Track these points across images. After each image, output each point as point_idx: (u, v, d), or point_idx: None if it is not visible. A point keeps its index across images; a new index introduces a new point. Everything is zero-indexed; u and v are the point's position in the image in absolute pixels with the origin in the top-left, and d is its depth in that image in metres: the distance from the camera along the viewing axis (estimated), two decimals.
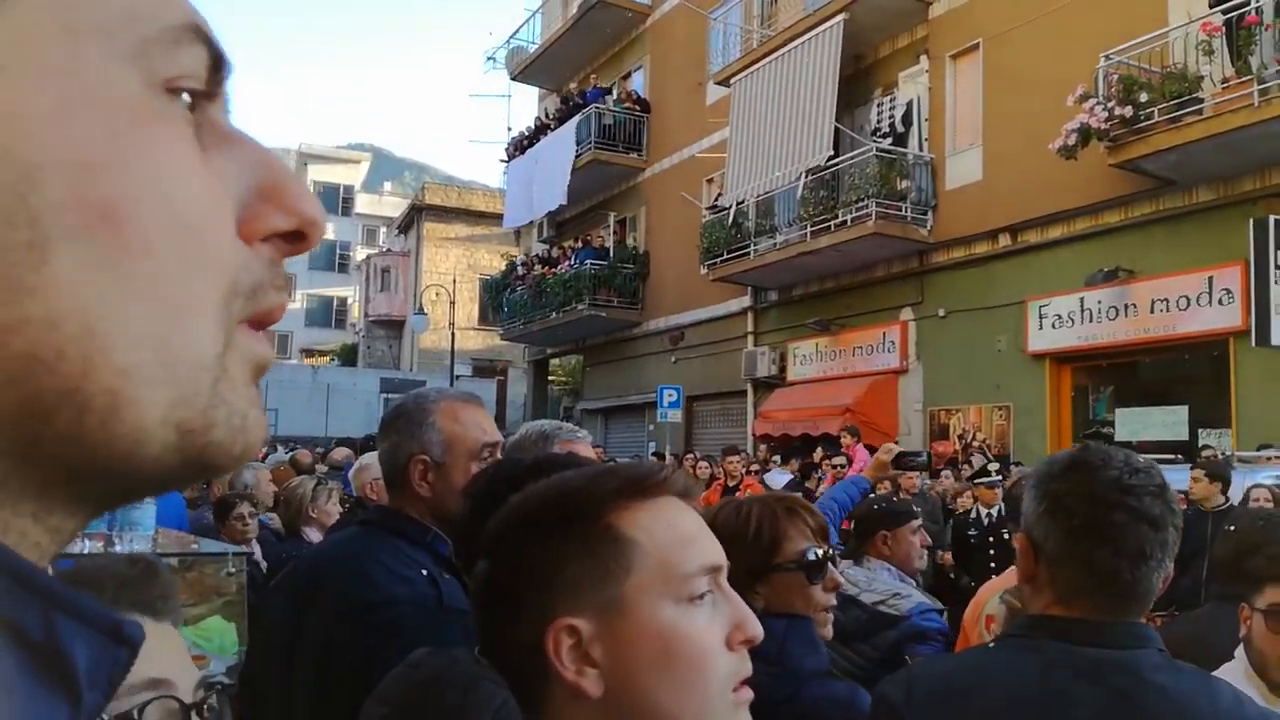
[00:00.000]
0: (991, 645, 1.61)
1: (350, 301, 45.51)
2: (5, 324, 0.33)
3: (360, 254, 43.88)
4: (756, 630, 0.90)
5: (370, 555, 1.81)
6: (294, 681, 1.77)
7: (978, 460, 9.39)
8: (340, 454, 10.55)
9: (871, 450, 11.73)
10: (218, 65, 0.40)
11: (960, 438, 12.95)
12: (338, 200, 48.31)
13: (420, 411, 1.96)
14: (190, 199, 0.37)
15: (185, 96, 0.38)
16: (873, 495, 3.67)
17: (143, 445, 0.36)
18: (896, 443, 13.18)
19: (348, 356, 38.92)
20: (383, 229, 45.78)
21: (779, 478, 10.86)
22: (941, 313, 13.51)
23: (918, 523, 3.43)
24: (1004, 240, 12.60)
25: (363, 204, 49.17)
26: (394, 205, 47.04)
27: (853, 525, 3.53)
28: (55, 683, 0.34)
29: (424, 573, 1.82)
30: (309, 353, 43.47)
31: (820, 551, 1.93)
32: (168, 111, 0.37)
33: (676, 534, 0.91)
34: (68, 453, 0.35)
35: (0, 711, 0.32)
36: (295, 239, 0.42)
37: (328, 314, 47.32)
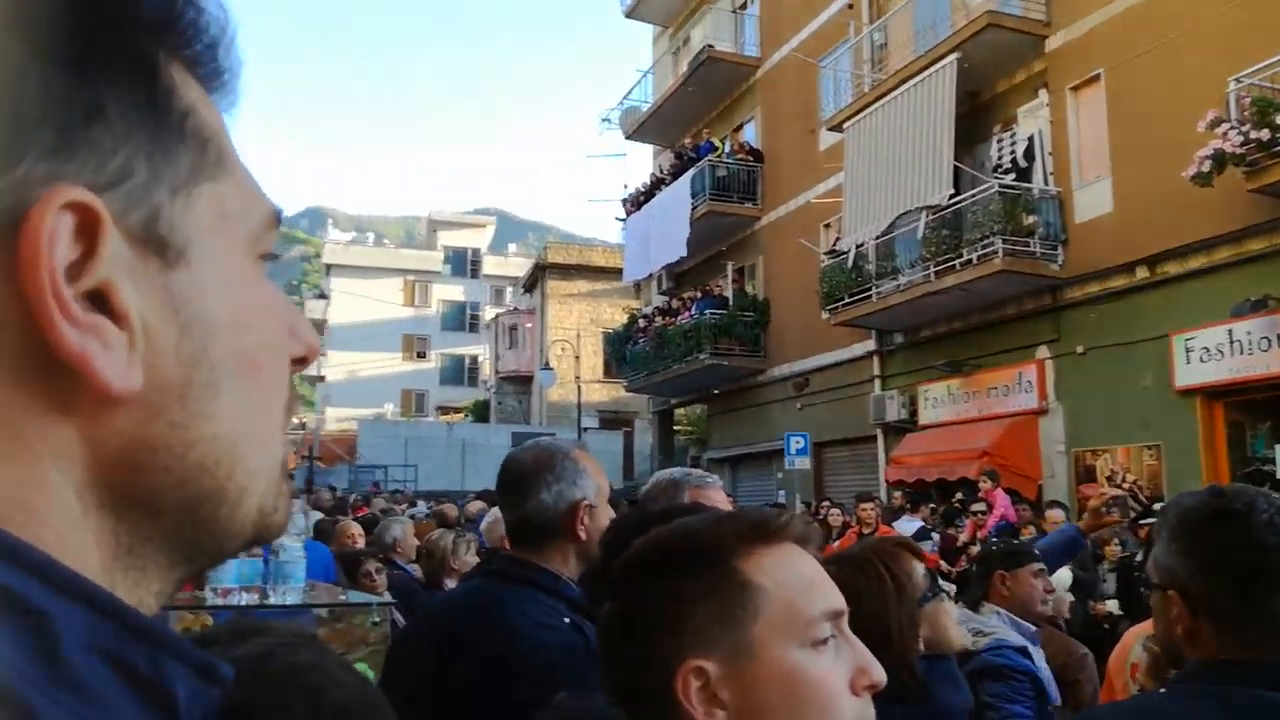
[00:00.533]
0: (1163, 691, 1.55)
1: (481, 359, 46.83)
2: (188, 441, 0.44)
3: (489, 313, 45.19)
4: (879, 675, 0.91)
5: (512, 604, 1.87)
6: None
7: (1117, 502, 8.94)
8: (474, 507, 10.85)
9: (1011, 495, 11.35)
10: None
11: (1109, 480, 12.35)
12: (466, 263, 50.03)
13: (573, 459, 2.04)
14: (284, 345, 0.50)
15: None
16: (999, 538, 3.60)
17: (245, 528, 0.48)
18: (1040, 488, 12.77)
19: (480, 413, 39.96)
20: (509, 288, 47.11)
21: (908, 525, 10.60)
22: (1080, 350, 13.00)
23: (1039, 566, 3.32)
24: (1142, 272, 12.08)
25: (490, 266, 50.73)
26: (519, 265, 48.37)
27: (974, 567, 3.47)
28: (158, 713, 0.40)
29: (566, 620, 1.88)
30: (444, 410, 44.83)
31: (930, 573, 1.95)
32: (262, 275, 0.50)
33: (799, 579, 0.93)
34: (198, 536, 0.46)
35: None
36: (302, 363, 0.53)
37: (460, 372, 48.78)
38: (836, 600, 0.94)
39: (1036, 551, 3.47)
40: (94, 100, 0.40)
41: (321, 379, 51.13)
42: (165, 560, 0.45)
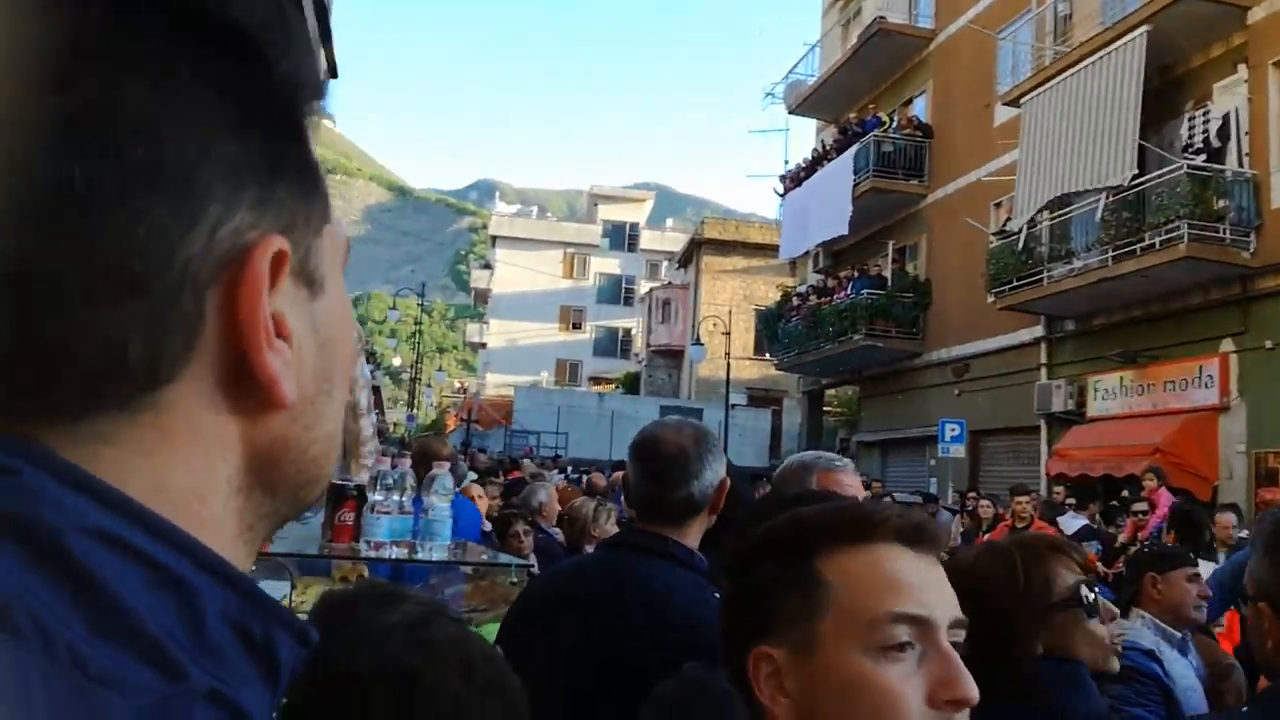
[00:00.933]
0: (1245, 709, 1.47)
1: (634, 332, 47.39)
2: (312, 438, 0.52)
3: (644, 287, 45.65)
4: (966, 691, 0.88)
5: (659, 577, 1.90)
6: (567, 688, 1.88)
7: None
8: (619, 476, 11.03)
9: (1182, 495, 10.65)
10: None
11: None
12: (624, 237, 50.63)
13: (715, 438, 2.10)
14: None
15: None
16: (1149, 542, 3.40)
17: (314, 504, 0.58)
18: (1215, 489, 11.95)
19: (631, 385, 40.51)
20: (665, 263, 47.39)
21: (1071, 523, 10.08)
22: (1269, 344, 12.04)
23: (1194, 570, 3.12)
24: None
25: (647, 240, 51.17)
26: (675, 240, 48.59)
27: (1125, 569, 3.29)
28: (266, 673, 0.46)
29: (716, 595, 1.89)
30: (596, 380, 45.69)
31: (1088, 585, 1.84)
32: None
33: (880, 581, 0.91)
34: (292, 513, 0.54)
35: (249, 696, 0.44)
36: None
37: (613, 344, 49.55)
38: (922, 608, 0.90)
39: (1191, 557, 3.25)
40: (279, 161, 0.49)
41: (483, 346, 52.97)
42: (265, 532, 0.53)
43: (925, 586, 0.93)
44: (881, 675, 0.87)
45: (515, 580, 2.36)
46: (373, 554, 2.62)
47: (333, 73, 6.97)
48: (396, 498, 2.68)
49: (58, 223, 0.42)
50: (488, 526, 5.19)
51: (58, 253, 0.42)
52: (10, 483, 0.41)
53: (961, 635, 0.93)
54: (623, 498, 4.16)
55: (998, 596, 1.85)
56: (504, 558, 2.82)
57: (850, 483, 2.43)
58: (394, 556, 2.62)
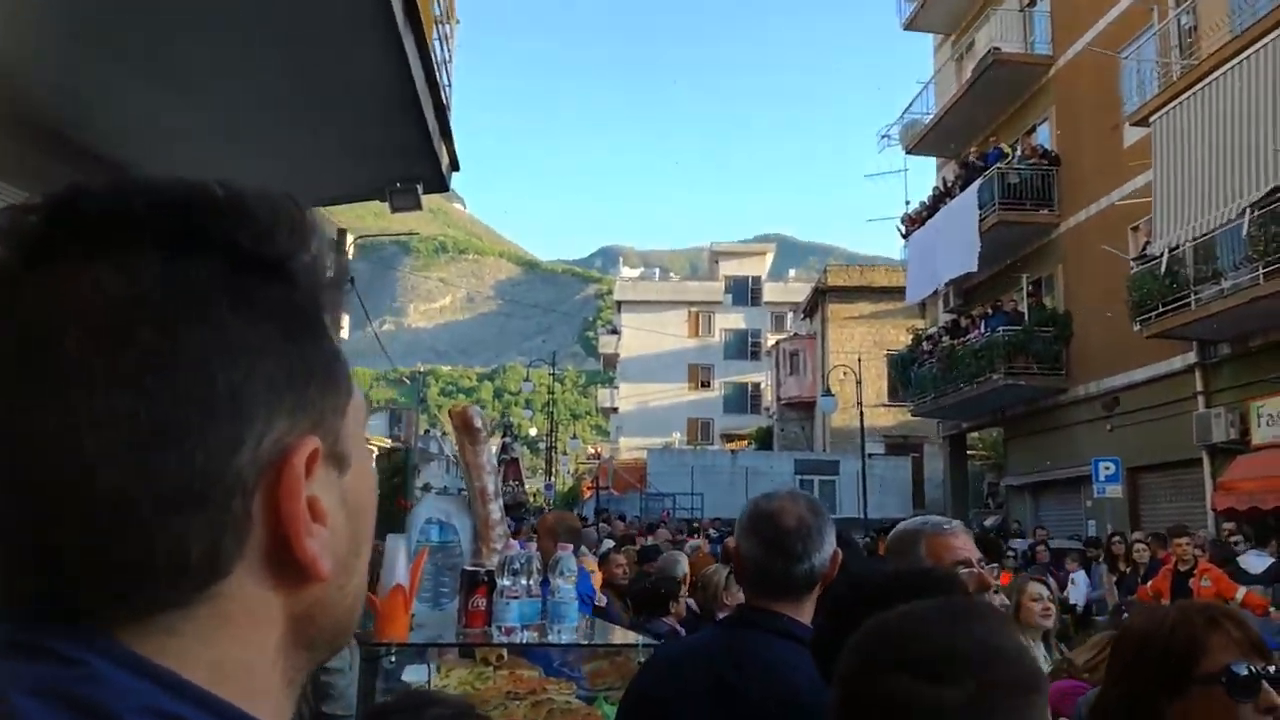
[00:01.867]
0: None
1: (763, 386, 47.10)
2: (344, 595, 0.58)
3: (770, 340, 45.43)
4: None
5: (781, 657, 1.87)
6: None
7: None
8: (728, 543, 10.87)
9: None
10: None
11: None
12: (747, 291, 50.66)
13: (824, 507, 2.11)
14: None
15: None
16: None
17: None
18: None
19: (763, 440, 40.12)
20: (789, 314, 47.12)
21: (1256, 561, 9.34)
22: None
23: None
24: None
25: (770, 292, 51.05)
26: (799, 290, 48.26)
27: None
28: None
29: None
30: (728, 437, 45.48)
31: (1251, 667, 1.69)
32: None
33: None
34: (327, 657, 0.60)
35: None
36: None
37: (743, 400, 49.32)
38: None
39: None
40: (309, 366, 0.55)
41: (615, 410, 53.55)
42: (304, 679, 0.58)
43: None
44: None
45: (640, 660, 2.37)
46: (504, 639, 2.67)
47: (454, 165, 7.30)
48: (524, 581, 2.73)
49: (130, 454, 0.49)
50: (602, 600, 5.23)
51: (132, 480, 0.49)
52: (81, 672, 0.47)
53: None
54: (732, 573, 4.11)
55: (1135, 652, 1.83)
56: (633, 637, 2.84)
57: (961, 545, 2.36)
58: (524, 641, 2.67)
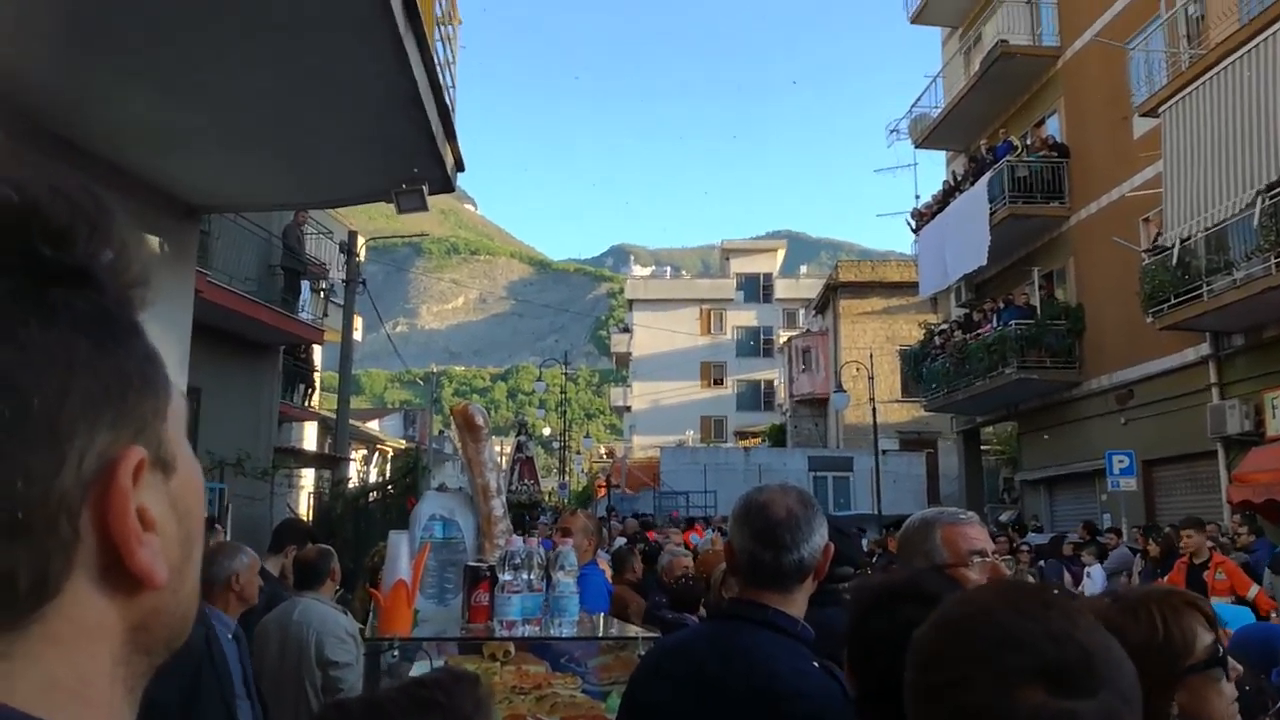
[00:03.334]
0: None
1: (776, 384, 47.05)
2: (179, 599, 0.57)
3: (782, 337, 45.38)
4: None
5: (762, 649, 1.89)
6: None
7: None
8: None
9: None
10: None
11: None
12: (758, 288, 50.61)
13: (815, 501, 2.12)
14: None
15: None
16: None
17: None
18: None
19: (777, 437, 40.08)
20: (801, 311, 47.05)
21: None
22: None
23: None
24: None
25: (781, 289, 50.97)
26: (810, 287, 48.19)
27: None
28: None
29: (815, 664, 1.88)
30: (741, 435, 45.45)
31: (1220, 644, 1.76)
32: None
33: None
34: (163, 661, 0.58)
35: None
36: None
37: (756, 397, 49.28)
38: None
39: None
40: (125, 374, 0.54)
41: (628, 409, 53.58)
42: (143, 681, 0.57)
43: None
44: None
45: (641, 654, 2.39)
46: (505, 633, 2.69)
47: (460, 166, 7.33)
48: (525, 576, 2.75)
49: None
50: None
51: None
52: None
53: None
54: (724, 565, 4.13)
55: (1132, 655, 1.80)
56: (633, 630, 2.86)
57: (976, 535, 2.36)
58: (524, 635, 2.69)
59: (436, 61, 6.09)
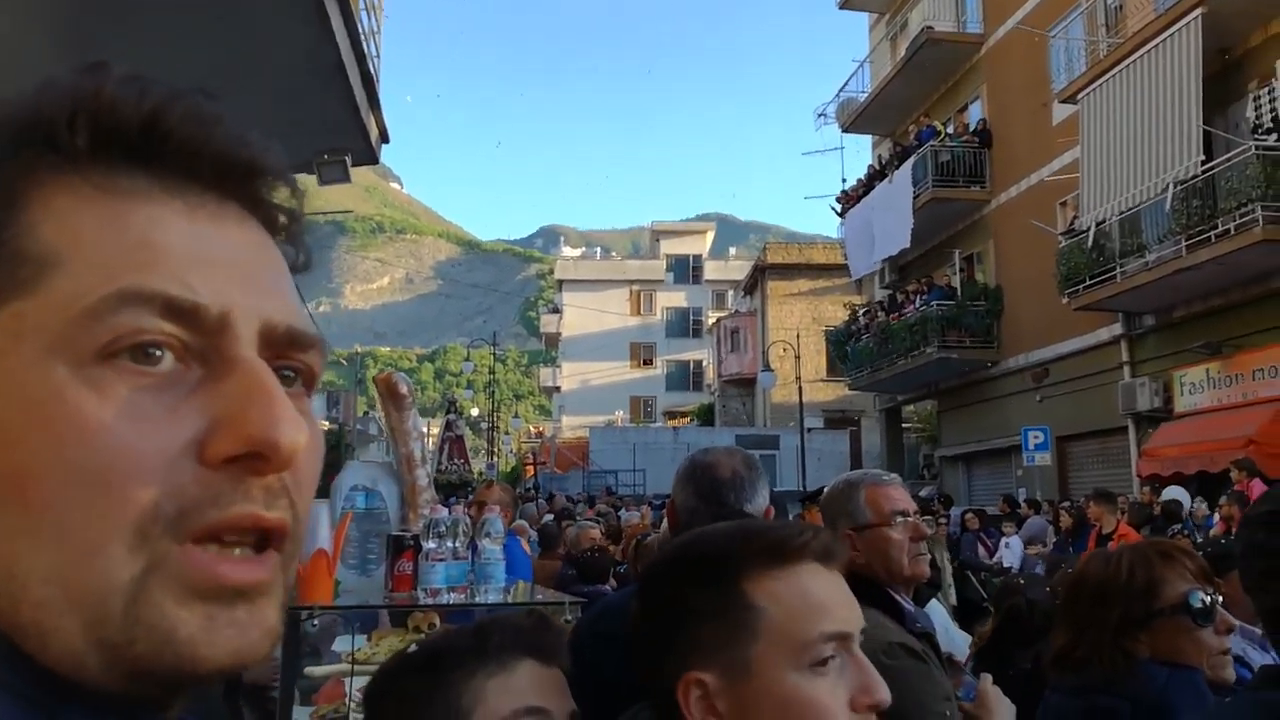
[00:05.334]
0: (1228, 700, 1.49)
1: (705, 364, 47.40)
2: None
3: (711, 318, 45.70)
4: (881, 695, 0.92)
5: None
6: None
7: None
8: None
9: (1271, 485, 10.19)
10: (176, 310, 0.46)
11: None
12: (688, 270, 50.81)
13: (759, 464, 2.13)
14: (91, 454, 0.44)
15: (134, 353, 0.46)
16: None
17: (83, 664, 0.44)
18: None
19: (705, 416, 40.42)
20: (730, 292, 47.41)
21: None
22: None
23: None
24: None
25: (711, 271, 51.27)
26: (739, 269, 48.56)
27: None
28: None
29: None
30: (671, 415, 45.69)
31: (1206, 594, 1.85)
32: (93, 377, 0.45)
33: (807, 602, 0.94)
34: (34, 677, 0.44)
35: None
36: (254, 459, 0.47)
37: (685, 378, 49.57)
38: (845, 623, 0.94)
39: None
40: None
41: (557, 389, 53.46)
42: (26, 705, 0.43)
43: (843, 602, 0.96)
44: (815, 691, 0.90)
45: (569, 618, 2.39)
46: (430, 601, 2.67)
47: (384, 138, 7.19)
48: (450, 544, 2.73)
49: None
50: None
51: None
52: None
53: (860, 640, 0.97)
54: (666, 525, 4.16)
55: (1095, 597, 1.92)
56: (562, 596, 2.86)
57: (899, 496, 2.40)
58: (449, 602, 2.67)
59: (361, 30, 5.96)
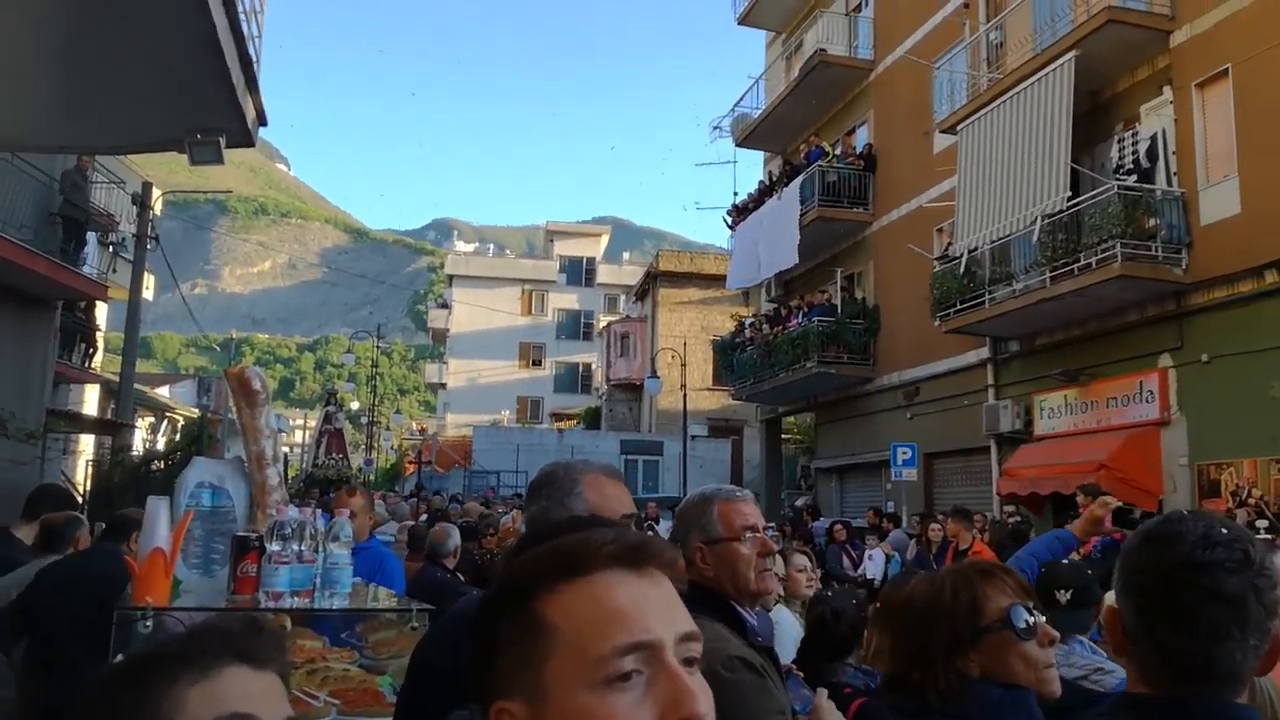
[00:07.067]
0: None
1: (594, 367, 47.43)
2: None
3: (602, 322, 45.76)
4: (692, 708, 0.85)
5: None
6: None
7: (1242, 518, 8.42)
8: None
9: (1120, 510, 10.81)
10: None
11: (1234, 495, 11.67)
12: (581, 272, 50.78)
13: (569, 480, 2.07)
14: None
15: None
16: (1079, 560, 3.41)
17: None
18: (1161, 502, 12.16)
19: (592, 420, 40.43)
20: (622, 296, 47.57)
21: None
22: (1205, 358, 12.33)
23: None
24: (1271, 277, 11.39)
25: (604, 274, 51.35)
26: (633, 274, 48.78)
27: (1070, 595, 3.25)
28: None
29: None
30: (558, 416, 45.54)
31: (1026, 609, 1.90)
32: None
33: (601, 614, 0.87)
34: None
35: None
36: None
37: (574, 380, 49.50)
38: (645, 633, 0.87)
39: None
40: None
41: (443, 386, 52.63)
42: None
43: (647, 610, 0.88)
44: (613, 708, 0.83)
45: (416, 625, 2.35)
46: (271, 604, 2.59)
47: (262, 120, 6.95)
48: (295, 547, 2.66)
49: None
50: None
51: None
52: None
53: (696, 649, 0.89)
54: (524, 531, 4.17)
55: (923, 619, 1.95)
56: (406, 603, 2.81)
57: (749, 511, 2.45)
58: (291, 606, 2.60)
59: (241, 8, 5.76)
